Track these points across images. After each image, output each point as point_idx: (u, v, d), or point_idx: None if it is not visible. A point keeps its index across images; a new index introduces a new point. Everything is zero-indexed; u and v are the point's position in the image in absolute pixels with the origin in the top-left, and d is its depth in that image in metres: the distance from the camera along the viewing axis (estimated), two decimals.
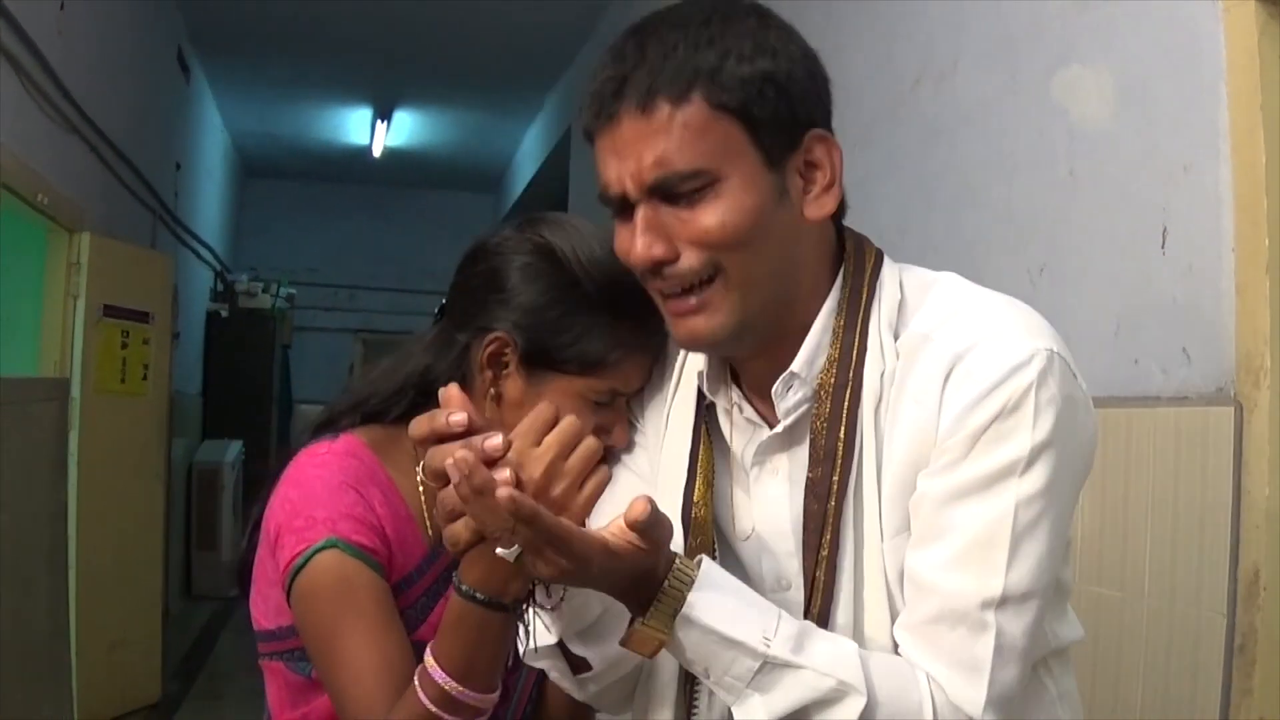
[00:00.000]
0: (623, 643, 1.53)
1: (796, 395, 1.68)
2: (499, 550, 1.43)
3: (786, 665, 1.49)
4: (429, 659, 1.62)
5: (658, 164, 1.55)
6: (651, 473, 1.90)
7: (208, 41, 11.55)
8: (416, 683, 1.64)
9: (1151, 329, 3.01)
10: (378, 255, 17.48)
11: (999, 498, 1.52)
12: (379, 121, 14.15)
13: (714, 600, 1.51)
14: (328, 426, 2.16)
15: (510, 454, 1.49)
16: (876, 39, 4.70)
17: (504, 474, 1.44)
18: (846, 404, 1.63)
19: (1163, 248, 2.96)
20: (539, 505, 1.40)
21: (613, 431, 1.97)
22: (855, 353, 1.65)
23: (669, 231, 1.59)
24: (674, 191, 1.56)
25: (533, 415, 1.56)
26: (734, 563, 1.80)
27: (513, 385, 1.99)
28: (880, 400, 1.63)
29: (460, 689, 1.60)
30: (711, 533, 1.77)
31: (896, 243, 4.31)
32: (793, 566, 1.69)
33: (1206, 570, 2.71)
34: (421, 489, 2.09)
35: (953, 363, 1.58)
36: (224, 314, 14.14)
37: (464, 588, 1.59)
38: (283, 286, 15.43)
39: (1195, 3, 2.89)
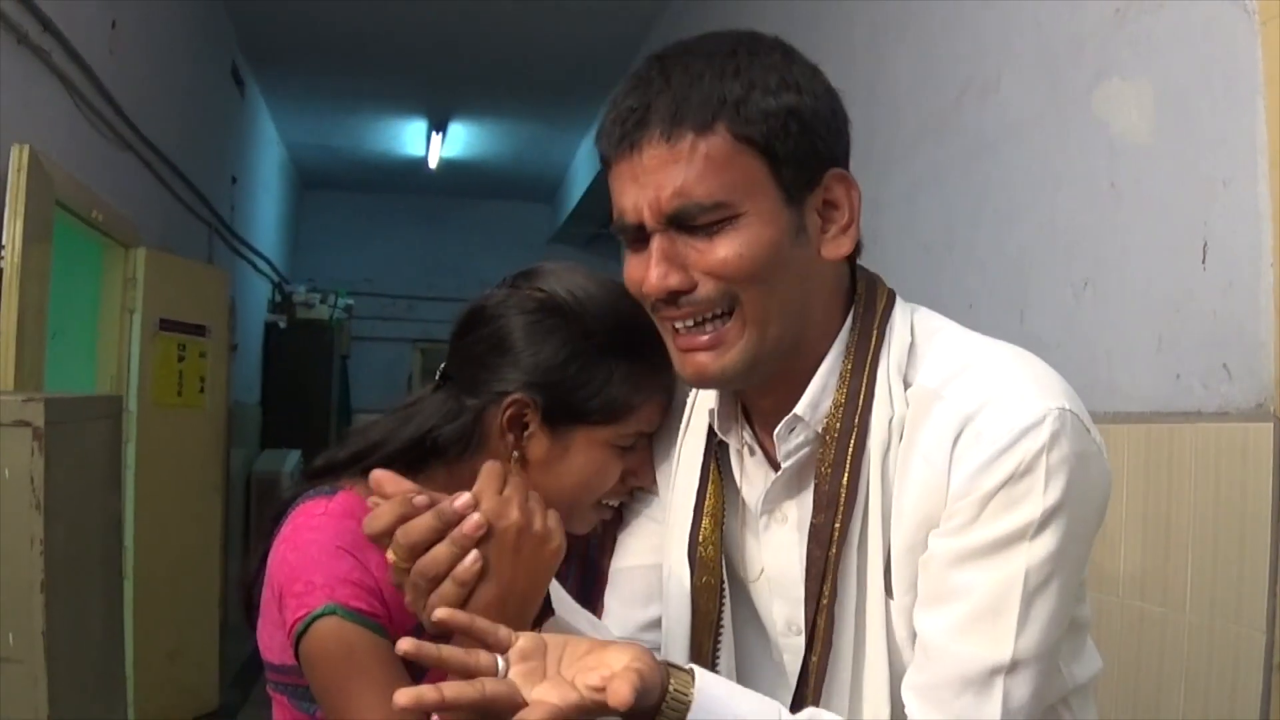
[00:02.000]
0: None
1: (799, 438, 1.66)
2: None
3: None
4: None
5: (678, 194, 1.54)
6: (664, 513, 1.90)
7: (261, 55, 11.64)
8: None
9: (1192, 344, 3.00)
10: (435, 265, 17.51)
11: (1009, 563, 1.49)
12: (434, 133, 14.22)
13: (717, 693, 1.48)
14: (325, 474, 2.16)
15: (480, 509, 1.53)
16: (921, 54, 4.70)
17: (474, 518, 1.51)
18: (851, 450, 1.60)
19: (1203, 263, 2.95)
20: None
21: (640, 473, 2.00)
22: (862, 398, 1.62)
23: (684, 261, 1.57)
24: (692, 223, 1.55)
25: (486, 472, 1.59)
26: (745, 601, 1.81)
27: (537, 445, 1.98)
28: (888, 448, 1.60)
29: None
30: (720, 571, 1.77)
31: (943, 257, 4.34)
32: (802, 612, 1.65)
33: (1246, 586, 2.70)
34: None
35: (963, 424, 1.54)
36: (282, 325, 14.21)
37: None
38: (341, 297, 15.51)
39: (1233, 16, 2.87)
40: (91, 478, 4.17)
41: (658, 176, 1.55)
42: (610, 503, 2.05)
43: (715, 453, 1.81)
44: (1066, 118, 3.60)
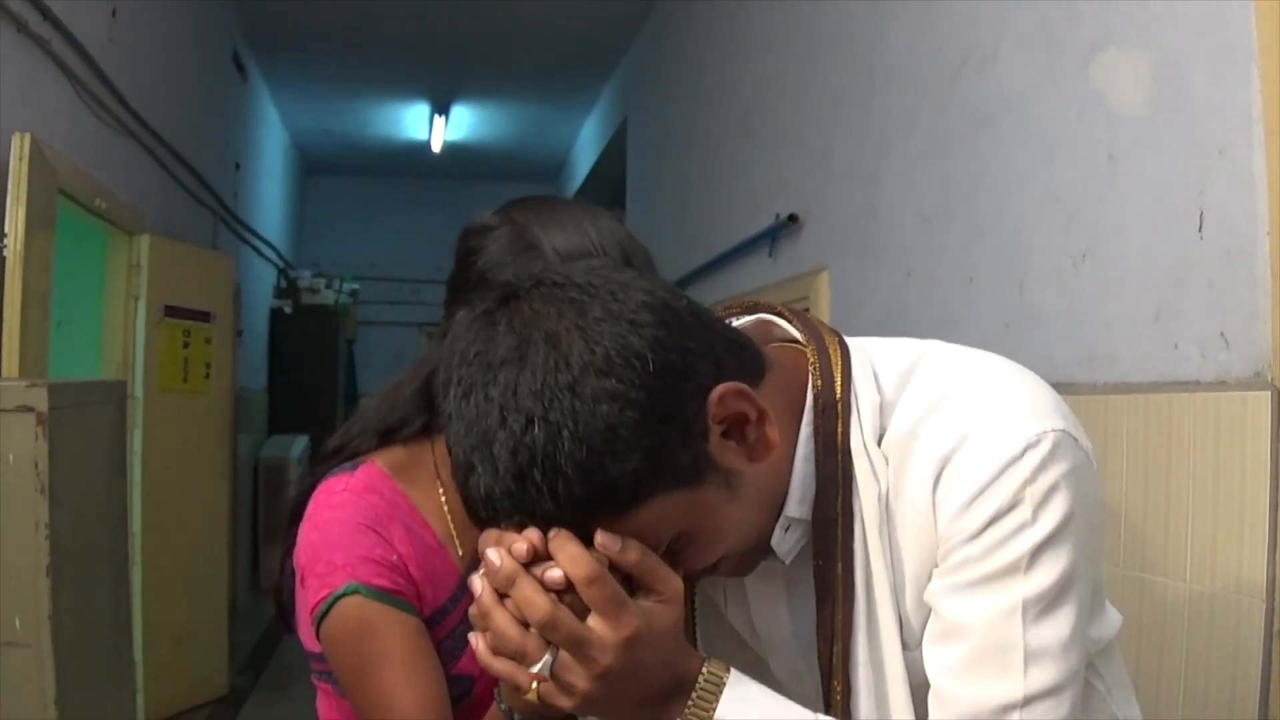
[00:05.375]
0: None
1: (794, 535, 1.55)
2: (532, 670, 1.33)
3: None
4: None
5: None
6: None
7: (263, 41, 11.65)
8: None
9: (1190, 313, 3.00)
10: (440, 249, 17.21)
11: (1005, 597, 1.40)
12: (437, 116, 14.24)
13: (752, 696, 1.41)
14: (343, 452, 2.07)
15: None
16: (919, 27, 4.70)
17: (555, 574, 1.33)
18: (840, 539, 1.49)
19: (1200, 231, 2.95)
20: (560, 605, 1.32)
21: None
22: (840, 481, 1.50)
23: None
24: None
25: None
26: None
27: None
28: (882, 522, 1.49)
29: None
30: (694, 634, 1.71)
31: (943, 228, 4.35)
32: (800, 663, 1.60)
33: (1246, 555, 2.70)
34: (447, 508, 2.02)
35: (941, 465, 1.44)
36: (288, 310, 14.21)
37: None
38: (346, 282, 15.54)
39: None
40: (97, 463, 4.19)
41: None
42: None
43: None
44: (1064, 89, 3.60)
